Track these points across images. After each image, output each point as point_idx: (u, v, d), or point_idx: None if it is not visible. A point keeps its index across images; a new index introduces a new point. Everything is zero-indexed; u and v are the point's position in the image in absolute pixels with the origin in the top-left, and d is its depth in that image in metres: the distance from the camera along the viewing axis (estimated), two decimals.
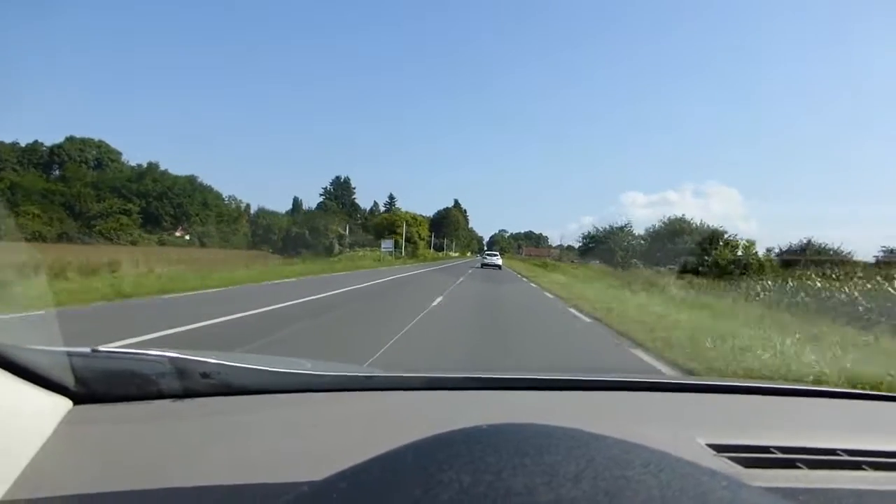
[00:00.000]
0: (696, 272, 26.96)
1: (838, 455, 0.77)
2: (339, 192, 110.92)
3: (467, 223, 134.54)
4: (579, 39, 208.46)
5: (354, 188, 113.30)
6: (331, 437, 0.79)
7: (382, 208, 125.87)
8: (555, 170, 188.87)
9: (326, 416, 0.91)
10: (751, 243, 31.98)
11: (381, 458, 0.37)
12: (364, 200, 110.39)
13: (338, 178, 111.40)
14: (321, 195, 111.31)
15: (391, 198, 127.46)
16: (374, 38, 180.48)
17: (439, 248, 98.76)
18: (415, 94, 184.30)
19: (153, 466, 0.65)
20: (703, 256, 30.35)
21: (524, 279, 26.61)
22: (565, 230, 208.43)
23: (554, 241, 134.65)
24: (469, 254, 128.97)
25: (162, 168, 74.94)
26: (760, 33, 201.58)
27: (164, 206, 70.17)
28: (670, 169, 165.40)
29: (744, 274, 24.53)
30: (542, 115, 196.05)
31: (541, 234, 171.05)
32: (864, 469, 0.73)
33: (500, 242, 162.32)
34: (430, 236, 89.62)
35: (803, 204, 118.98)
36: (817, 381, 4.37)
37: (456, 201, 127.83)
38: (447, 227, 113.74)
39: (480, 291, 16.82)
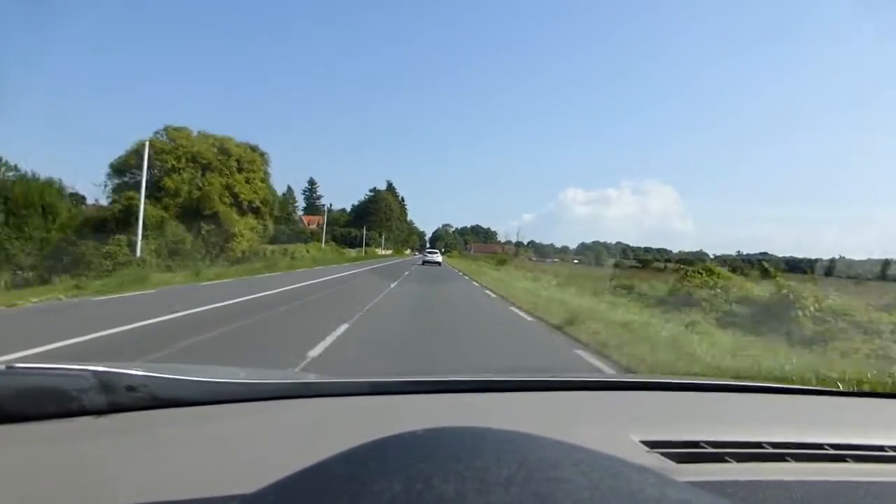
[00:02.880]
0: None
1: (764, 448, 0.79)
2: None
3: (405, 214, 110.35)
4: (524, 37, 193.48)
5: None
6: (267, 448, 0.77)
7: (300, 195, 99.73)
8: (499, 164, 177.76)
9: (262, 426, 0.88)
10: None
11: (313, 469, 0.37)
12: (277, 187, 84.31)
13: None
14: None
15: (311, 183, 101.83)
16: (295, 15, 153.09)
17: (355, 244, 70.39)
18: (350, 84, 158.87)
19: (74, 487, 0.62)
20: None
21: None
22: (509, 227, 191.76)
23: (502, 236, 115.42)
24: (408, 251, 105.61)
25: None
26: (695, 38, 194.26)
27: None
28: (610, 166, 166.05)
29: None
30: (486, 110, 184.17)
31: (489, 228, 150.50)
32: (787, 461, 0.76)
33: (444, 238, 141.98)
34: (321, 220, 61.12)
35: (736, 203, 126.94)
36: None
37: (389, 184, 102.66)
38: (377, 214, 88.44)
39: None
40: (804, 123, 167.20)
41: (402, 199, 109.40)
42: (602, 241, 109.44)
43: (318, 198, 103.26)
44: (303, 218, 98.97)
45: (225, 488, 0.59)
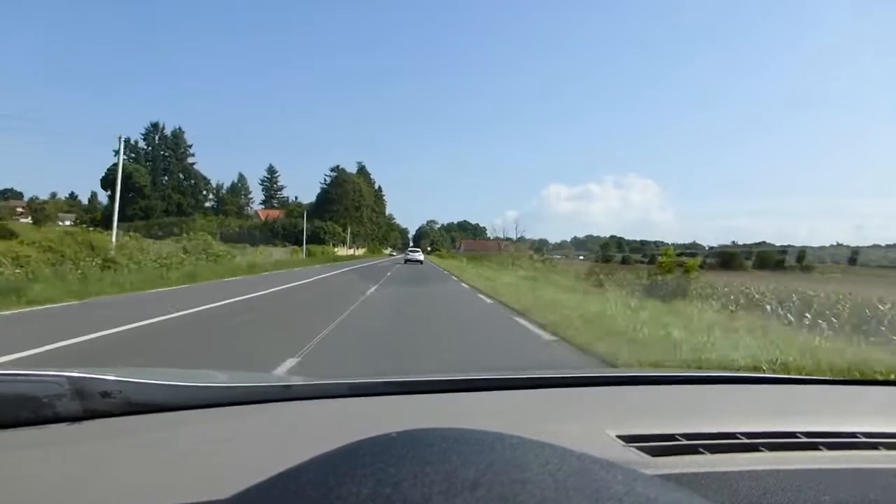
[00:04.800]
0: None
1: (737, 438, 0.80)
2: (159, 148, 65.71)
3: (383, 206, 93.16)
4: (501, 29, 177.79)
5: (191, 146, 68.00)
6: (245, 453, 0.76)
7: (258, 185, 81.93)
8: (483, 161, 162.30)
9: (240, 430, 0.87)
10: None
11: (284, 475, 0.37)
12: (223, 173, 66.45)
13: (155, 125, 65.84)
14: (116, 151, 64.34)
15: (271, 172, 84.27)
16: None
17: (311, 240, 49.07)
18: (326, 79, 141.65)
19: (48, 495, 0.61)
20: None
21: None
22: (498, 222, 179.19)
23: (491, 232, 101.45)
24: (389, 250, 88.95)
25: None
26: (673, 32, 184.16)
27: None
28: (593, 161, 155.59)
29: None
30: (467, 105, 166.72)
31: (477, 224, 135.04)
32: (760, 450, 0.77)
33: (429, 235, 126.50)
34: (280, 214, 41.57)
35: (724, 194, 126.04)
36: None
37: (361, 166, 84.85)
38: (341, 202, 69.88)
39: None
40: (788, 115, 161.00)
41: (380, 189, 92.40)
42: (595, 234, 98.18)
43: (280, 189, 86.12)
44: (259, 212, 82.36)
45: (202, 495, 0.58)
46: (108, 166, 60.21)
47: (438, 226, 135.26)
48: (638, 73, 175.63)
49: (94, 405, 0.82)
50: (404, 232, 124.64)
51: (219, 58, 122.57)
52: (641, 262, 52.99)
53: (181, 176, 67.17)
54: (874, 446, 0.79)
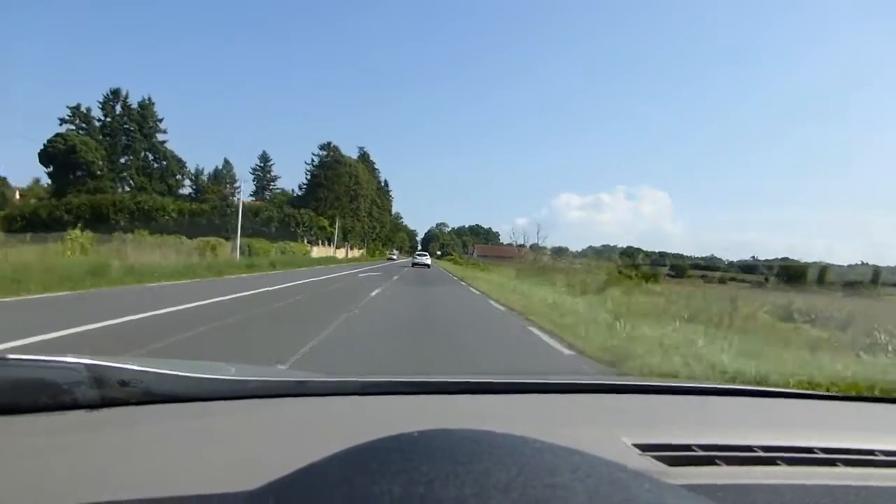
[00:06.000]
0: None
1: (755, 451, 0.80)
2: (120, 120, 54.79)
3: (388, 201, 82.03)
4: (515, 36, 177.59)
5: (162, 120, 57.24)
6: (260, 447, 0.76)
7: (250, 175, 71.15)
8: (494, 168, 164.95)
9: (255, 423, 0.88)
10: None
11: (310, 469, 0.36)
12: (206, 157, 55.32)
13: (115, 92, 55.00)
14: (63, 120, 53.18)
15: (264, 160, 73.41)
16: None
17: (287, 235, 33.66)
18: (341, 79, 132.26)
19: (63, 481, 0.61)
20: None
21: None
22: (511, 229, 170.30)
23: (505, 237, 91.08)
24: (393, 252, 78.04)
25: None
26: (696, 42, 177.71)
27: None
28: (604, 172, 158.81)
29: None
30: (476, 112, 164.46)
31: (489, 228, 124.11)
32: (778, 464, 0.76)
33: (439, 238, 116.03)
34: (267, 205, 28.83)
35: (726, 209, 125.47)
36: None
37: (363, 152, 73.52)
38: (332, 188, 57.90)
39: None
40: (806, 127, 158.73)
41: (386, 183, 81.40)
42: (610, 244, 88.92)
43: (273, 179, 75.32)
44: (249, 203, 71.84)
45: (217, 486, 0.58)
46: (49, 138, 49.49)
47: (448, 229, 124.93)
48: (650, 83, 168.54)
49: (112, 393, 0.82)
50: (412, 234, 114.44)
51: (221, 54, 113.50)
52: (670, 275, 47.32)
53: (149, 155, 56.54)
54: (892, 465, 0.79)
